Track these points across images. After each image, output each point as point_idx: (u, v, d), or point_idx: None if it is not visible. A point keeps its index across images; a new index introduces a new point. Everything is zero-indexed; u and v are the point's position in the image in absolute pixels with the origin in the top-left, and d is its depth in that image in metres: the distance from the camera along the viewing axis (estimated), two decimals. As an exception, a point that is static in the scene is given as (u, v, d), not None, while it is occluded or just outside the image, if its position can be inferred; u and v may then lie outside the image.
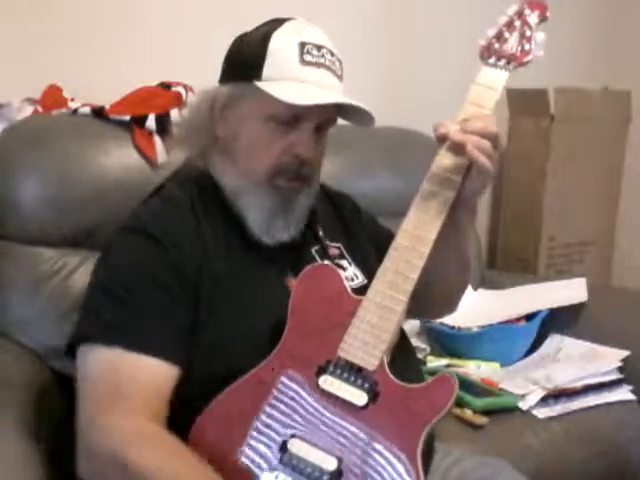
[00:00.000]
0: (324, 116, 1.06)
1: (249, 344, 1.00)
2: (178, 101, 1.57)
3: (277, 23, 1.08)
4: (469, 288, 1.93)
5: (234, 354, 0.99)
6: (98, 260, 1.07)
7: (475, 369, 1.64)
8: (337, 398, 0.93)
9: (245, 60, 1.07)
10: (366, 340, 0.94)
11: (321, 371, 0.95)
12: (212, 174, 1.12)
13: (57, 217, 1.43)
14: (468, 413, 1.41)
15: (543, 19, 1.02)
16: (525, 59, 1.01)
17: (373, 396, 0.93)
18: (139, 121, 1.52)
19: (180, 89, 1.60)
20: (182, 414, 0.95)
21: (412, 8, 2.21)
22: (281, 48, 1.04)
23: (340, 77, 1.08)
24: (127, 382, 0.94)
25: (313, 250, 1.15)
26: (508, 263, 2.34)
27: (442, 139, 0.98)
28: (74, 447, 0.95)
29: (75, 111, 1.54)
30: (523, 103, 2.25)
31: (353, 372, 0.94)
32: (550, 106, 2.18)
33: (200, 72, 1.71)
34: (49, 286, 1.41)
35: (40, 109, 1.59)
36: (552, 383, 1.53)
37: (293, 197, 1.09)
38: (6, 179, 1.41)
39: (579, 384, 1.55)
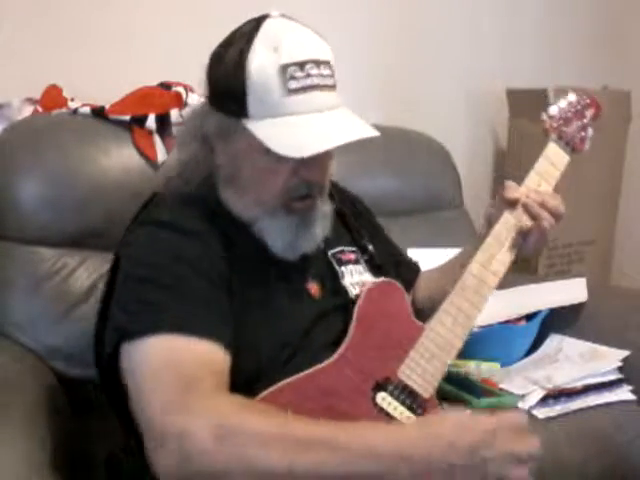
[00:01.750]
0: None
1: (264, 350, 0.99)
2: (178, 101, 1.57)
3: (248, 35, 1.00)
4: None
5: (249, 360, 0.98)
6: (120, 257, 1.04)
7: (475, 369, 1.64)
8: (391, 417, 0.96)
9: (225, 92, 1.00)
10: (426, 368, 0.99)
11: (379, 387, 0.98)
12: (219, 197, 1.08)
13: (57, 217, 1.43)
14: (469, 413, 1.41)
15: (596, 118, 1.13)
16: (581, 148, 1.13)
17: None
18: (139, 121, 1.52)
19: (180, 89, 1.60)
20: None
21: (414, 8, 2.21)
22: (261, 79, 0.96)
23: (333, 85, 1.01)
24: (191, 365, 0.89)
25: (330, 254, 1.14)
26: (508, 263, 2.33)
27: (512, 202, 1.05)
28: (74, 447, 0.94)
29: (75, 111, 1.54)
30: (523, 103, 2.25)
31: (410, 396, 0.98)
32: (550, 106, 2.19)
33: (200, 72, 1.72)
34: (49, 286, 1.40)
35: (40, 109, 1.59)
36: (552, 383, 1.53)
37: (311, 213, 1.06)
38: (6, 179, 1.41)
39: (579, 384, 1.54)
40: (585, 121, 1.13)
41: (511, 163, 2.34)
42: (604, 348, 1.64)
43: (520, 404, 1.49)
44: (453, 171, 1.99)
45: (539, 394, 1.51)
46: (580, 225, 2.35)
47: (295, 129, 0.96)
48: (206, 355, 0.91)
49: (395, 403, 0.97)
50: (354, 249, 1.19)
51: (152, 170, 1.50)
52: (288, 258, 1.06)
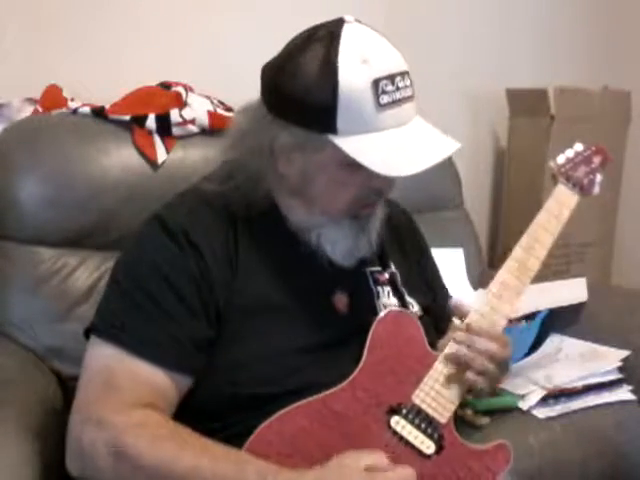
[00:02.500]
0: None
1: (279, 363, 0.98)
2: (178, 101, 1.57)
3: (328, 43, 0.95)
4: (469, 288, 1.94)
5: (260, 373, 0.98)
6: (126, 246, 1.07)
7: (475, 369, 1.64)
8: (406, 442, 0.95)
9: (309, 106, 0.94)
10: (442, 392, 0.98)
11: (393, 412, 0.97)
12: (273, 198, 1.05)
13: (57, 217, 1.43)
14: (469, 413, 1.41)
15: (604, 164, 1.18)
16: (590, 191, 1.18)
17: (439, 448, 0.96)
18: (139, 121, 1.52)
19: (180, 89, 1.60)
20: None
21: (412, 7, 2.21)
22: (353, 94, 0.92)
23: (413, 95, 0.99)
24: (121, 378, 0.94)
25: (368, 271, 1.11)
26: (508, 263, 2.33)
27: (460, 314, 1.03)
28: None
29: (75, 111, 1.54)
30: (523, 103, 2.25)
31: (425, 421, 0.97)
32: (550, 106, 2.18)
33: (200, 72, 1.72)
34: (49, 286, 1.41)
35: (40, 109, 1.58)
36: (552, 383, 1.53)
37: (372, 218, 1.06)
38: (6, 179, 1.41)
39: (579, 384, 1.54)
40: (593, 166, 1.16)
41: (511, 163, 2.34)
42: (604, 348, 1.64)
43: (520, 404, 1.49)
44: (453, 171, 1.99)
45: (539, 394, 1.51)
46: (580, 225, 2.34)
47: (386, 146, 0.94)
48: (144, 377, 0.94)
49: (409, 427, 0.96)
50: (393, 270, 1.16)
51: (152, 170, 1.50)
52: (345, 264, 1.05)
